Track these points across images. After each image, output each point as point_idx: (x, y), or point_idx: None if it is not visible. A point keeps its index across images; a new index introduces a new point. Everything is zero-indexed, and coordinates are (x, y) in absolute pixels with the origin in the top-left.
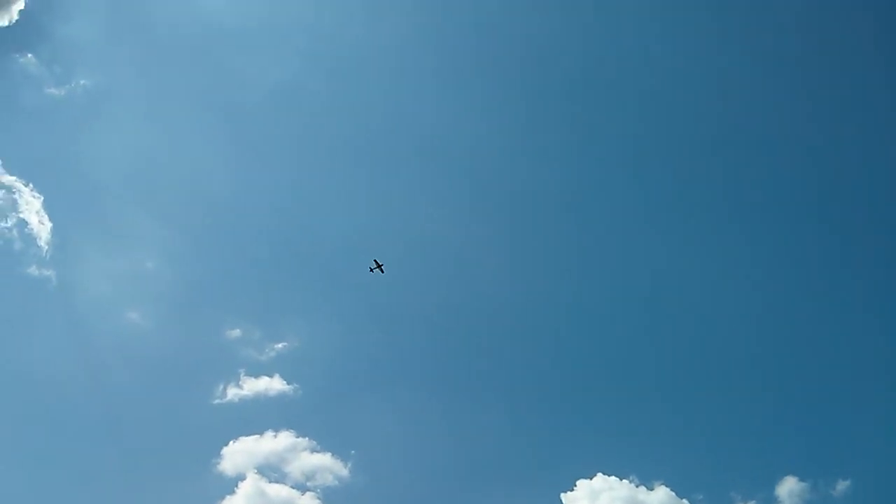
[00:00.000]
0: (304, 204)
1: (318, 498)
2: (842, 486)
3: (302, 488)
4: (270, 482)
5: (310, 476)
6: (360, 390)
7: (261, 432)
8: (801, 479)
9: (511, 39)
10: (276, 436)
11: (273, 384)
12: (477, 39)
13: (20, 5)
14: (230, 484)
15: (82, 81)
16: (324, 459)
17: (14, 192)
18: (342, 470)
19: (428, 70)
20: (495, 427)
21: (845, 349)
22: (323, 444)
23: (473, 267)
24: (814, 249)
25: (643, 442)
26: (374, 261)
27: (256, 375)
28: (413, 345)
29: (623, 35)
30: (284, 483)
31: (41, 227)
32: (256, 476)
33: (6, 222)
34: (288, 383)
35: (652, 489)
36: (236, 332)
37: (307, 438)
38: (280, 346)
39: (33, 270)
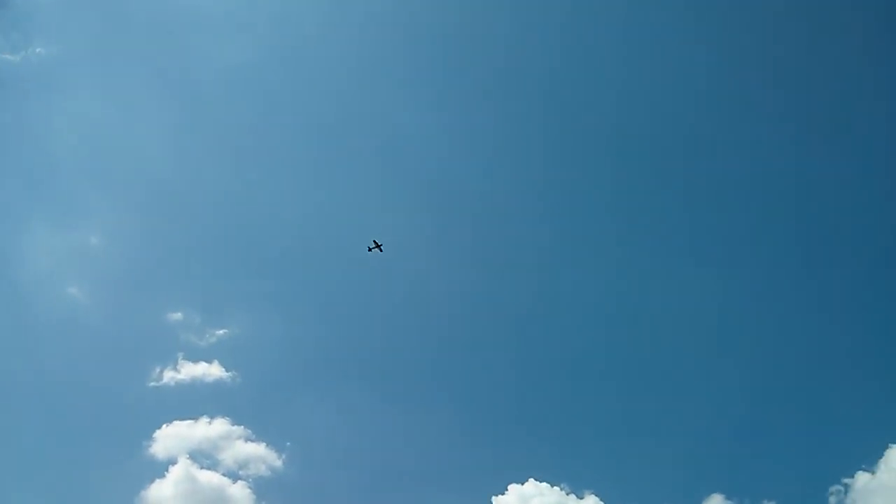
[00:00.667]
0: (256, 191)
1: (250, 487)
2: None
3: (234, 476)
4: (202, 468)
5: (242, 465)
6: (300, 383)
7: (195, 418)
8: (728, 498)
9: (477, 33)
10: (210, 422)
11: (211, 370)
12: (442, 34)
13: None
14: (160, 468)
15: (38, 49)
16: (258, 449)
17: None
18: (276, 461)
19: (390, 63)
20: (434, 427)
21: (778, 376)
22: (258, 434)
23: (424, 266)
24: (749, 284)
25: (577, 451)
26: (374, 241)
27: (195, 360)
28: (357, 341)
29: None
30: (216, 470)
31: None
32: (188, 461)
33: None
34: (227, 370)
35: (581, 497)
36: (177, 316)
37: (242, 427)
38: (221, 332)
39: None
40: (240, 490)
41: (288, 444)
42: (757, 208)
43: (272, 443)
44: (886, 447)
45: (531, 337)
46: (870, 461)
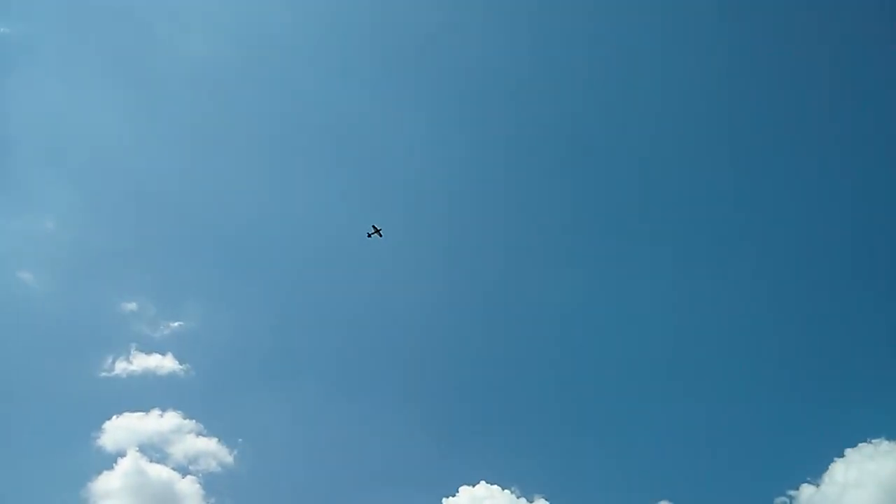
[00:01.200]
0: (217, 184)
1: (199, 483)
2: None
3: (183, 471)
4: (151, 461)
5: (193, 460)
6: (255, 379)
7: (146, 410)
8: None
9: (453, 30)
10: (162, 415)
11: (165, 363)
12: (415, 31)
13: None
14: (109, 459)
15: (1, 29)
16: (209, 444)
17: None
18: (227, 457)
19: (357, 59)
20: (388, 426)
21: (727, 387)
22: (210, 429)
23: (385, 264)
24: (699, 293)
25: (530, 455)
26: (373, 226)
27: (148, 352)
28: (313, 338)
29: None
30: (166, 464)
31: None
32: (137, 454)
33: None
34: (180, 363)
35: (532, 501)
36: (132, 306)
37: (194, 421)
38: (176, 324)
39: None
40: (189, 485)
41: (240, 440)
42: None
43: (224, 438)
44: (831, 461)
45: (488, 339)
46: (815, 474)
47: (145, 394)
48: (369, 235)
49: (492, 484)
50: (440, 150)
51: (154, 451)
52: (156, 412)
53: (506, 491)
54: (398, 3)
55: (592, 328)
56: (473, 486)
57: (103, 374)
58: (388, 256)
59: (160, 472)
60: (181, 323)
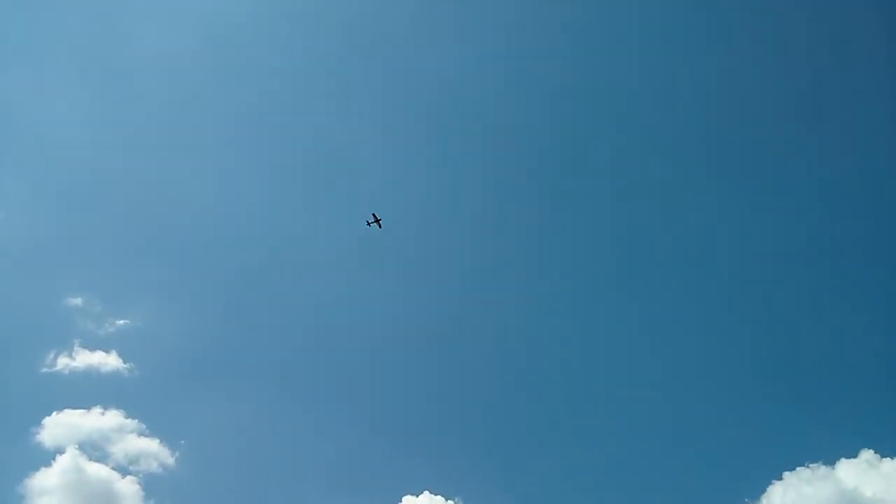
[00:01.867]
0: (169, 181)
1: (139, 483)
2: None
3: (123, 471)
4: (91, 460)
5: (133, 460)
6: (200, 380)
7: (88, 407)
8: None
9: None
10: (103, 413)
11: (108, 360)
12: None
13: None
14: (47, 456)
15: None
16: (151, 445)
17: None
18: (168, 458)
19: (318, 59)
20: (333, 433)
21: (667, 405)
22: (152, 429)
23: (333, 267)
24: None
25: (474, 467)
26: (373, 214)
27: (92, 349)
28: (262, 341)
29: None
30: (105, 463)
31: None
32: (76, 452)
33: None
34: (125, 362)
35: None
36: (77, 301)
37: (136, 421)
38: (122, 322)
39: None
40: (128, 485)
41: (182, 441)
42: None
43: (166, 439)
44: (770, 483)
45: (438, 349)
46: (753, 495)
47: (87, 391)
48: (368, 224)
49: (435, 495)
50: (403, 151)
51: (94, 449)
52: (97, 410)
53: (449, 502)
54: None
55: (545, 340)
56: (417, 496)
57: (45, 369)
58: (341, 258)
59: (99, 470)
60: (127, 321)
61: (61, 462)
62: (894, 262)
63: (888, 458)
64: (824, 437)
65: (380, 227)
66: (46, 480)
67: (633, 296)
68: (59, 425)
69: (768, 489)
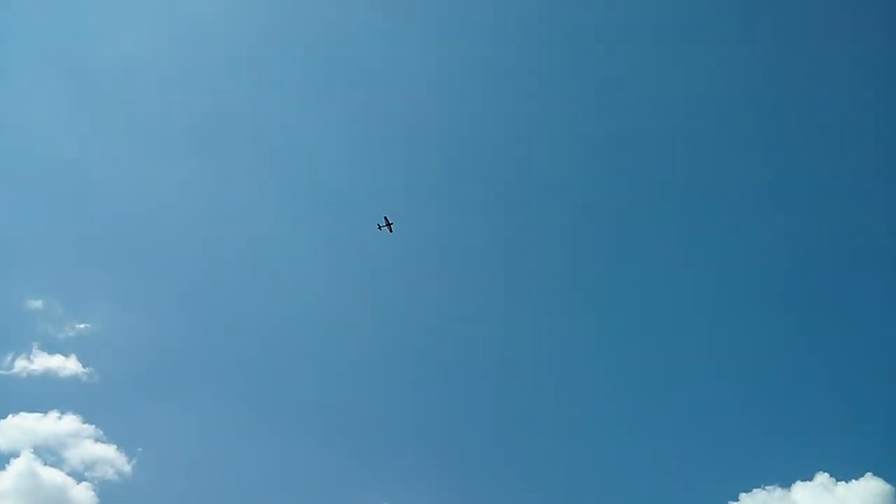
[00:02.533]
0: (136, 183)
1: (94, 490)
2: None
3: (78, 477)
4: (46, 465)
5: (89, 466)
6: (160, 387)
7: (44, 411)
8: None
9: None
10: (60, 418)
11: (67, 364)
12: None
13: None
14: (1, 460)
15: None
16: (107, 451)
17: None
18: (125, 465)
19: (286, 59)
20: (294, 444)
21: (622, 426)
22: (109, 436)
23: (299, 272)
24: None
25: (434, 480)
26: (385, 218)
27: (51, 352)
28: (222, 349)
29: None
30: (60, 468)
31: None
32: (31, 456)
33: None
34: (84, 366)
35: None
36: (37, 304)
37: (93, 426)
38: (83, 326)
39: None
40: (83, 492)
41: (140, 449)
42: None
43: (123, 446)
44: None
45: (400, 360)
46: None
47: (44, 394)
48: (380, 227)
49: None
50: (360, 153)
51: (49, 453)
52: (54, 414)
53: None
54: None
55: (509, 351)
56: None
57: (1, 371)
58: (303, 268)
59: (54, 476)
60: (88, 325)
61: (15, 466)
62: (853, 285)
63: (843, 482)
64: (780, 460)
65: (391, 231)
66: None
67: (587, 310)
68: (15, 428)
69: None
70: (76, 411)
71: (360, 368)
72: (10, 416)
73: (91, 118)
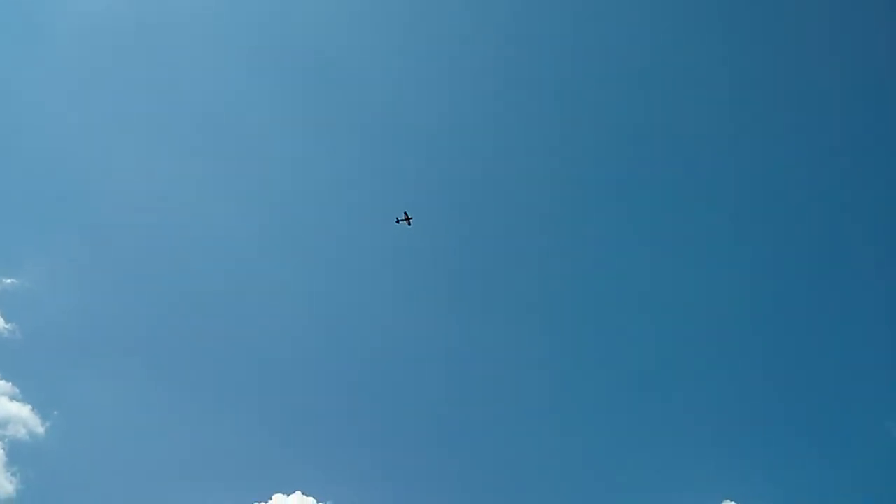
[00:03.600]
0: (82, 140)
1: (3, 449)
2: None
3: None
4: None
5: (1, 423)
6: (84, 351)
7: None
8: None
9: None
10: None
11: None
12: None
13: None
14: None
15: None
16: (22, 410)
17: None
18: (38, 427)
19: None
20: (218, 421)
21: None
22: (26, 395)
23: (239, 255)
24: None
25: (351, 472)
26: (405, 213)
27: None
28: (154, 322)
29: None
30: None
31: None
32: None
33: None
34: (7, 322)
35: None
36: None
37: (10, 384)
38: (9, 281)
39: None
40: None
41: (56, 412)
42: None
43: (38, 407)
44: None
45: (328, 347)
46: None
47: None
48: (398, 221)
49: (307, 496)
50: (321, 149)
51: None
52: None
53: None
54: None
55: (457, 358)
56: (288, 495)
57: None
58: (242, 247)
59: None
60: (14, 280)
61: None
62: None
63: None
64: (687, 488)
65: (409, 224)
66: None
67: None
68: None
69: None
70: None
71: (286, 355)
72: None
73: (38, 79)
